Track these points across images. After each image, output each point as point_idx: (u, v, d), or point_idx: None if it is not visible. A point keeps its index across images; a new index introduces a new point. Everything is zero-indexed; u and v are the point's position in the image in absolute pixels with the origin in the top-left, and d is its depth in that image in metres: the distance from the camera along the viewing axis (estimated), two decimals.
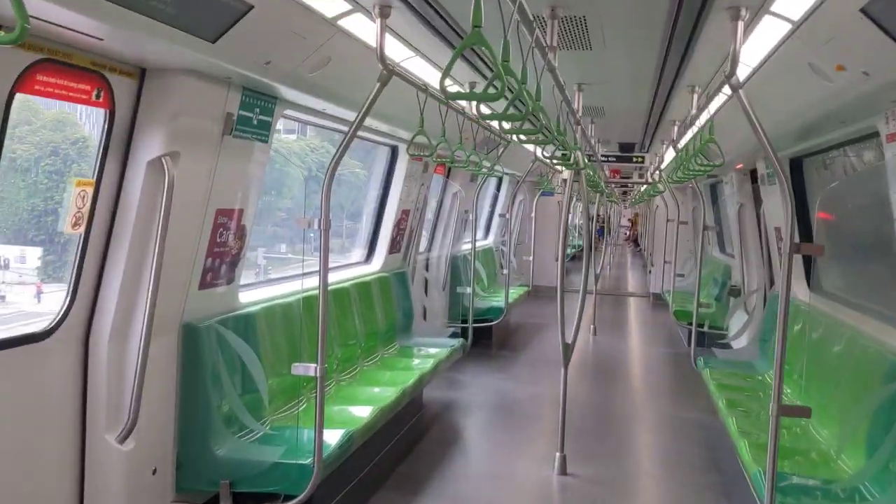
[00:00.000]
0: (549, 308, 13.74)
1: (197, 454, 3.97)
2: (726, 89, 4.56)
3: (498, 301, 10.32)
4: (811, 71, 3.51)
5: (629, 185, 21.31)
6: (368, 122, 5.71)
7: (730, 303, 10.03)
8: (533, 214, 12.80)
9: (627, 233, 38.94)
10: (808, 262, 6.26)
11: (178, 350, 4.02)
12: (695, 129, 5.98)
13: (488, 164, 7.34)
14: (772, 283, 7.60)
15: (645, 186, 17.57)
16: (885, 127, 3.77)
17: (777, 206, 6.68)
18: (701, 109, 4.86)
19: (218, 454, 3.94)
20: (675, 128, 7.49)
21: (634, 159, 11.18)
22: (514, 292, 11.31)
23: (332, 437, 4.15)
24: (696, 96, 5.70)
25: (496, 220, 13.70)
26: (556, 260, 14.85)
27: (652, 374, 9.45)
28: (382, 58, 3.37)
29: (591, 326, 11.29)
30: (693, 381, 7.59)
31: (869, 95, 3.39)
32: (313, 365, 3.67)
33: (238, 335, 4.34)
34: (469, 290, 8.02)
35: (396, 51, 4.57)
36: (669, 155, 9.56)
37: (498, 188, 13.55)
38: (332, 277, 6.28)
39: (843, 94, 3.51)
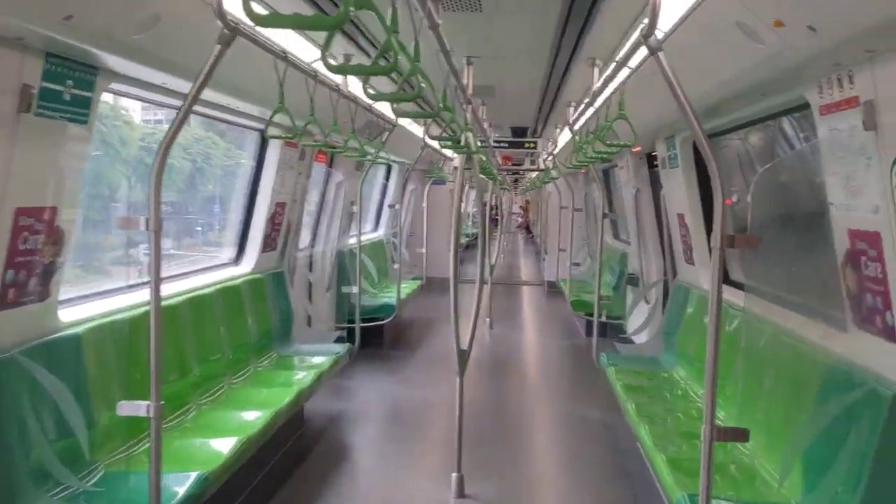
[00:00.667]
0: (444, 300, 13.20)
1: None
2: (632, 62, 4.08)
3: (389, 297, 9.67)
4: (739, 31, 2.97)
5: (521, 172, 21.15)
6: (227, 100, 4.92)
7: (626, 292, 9.76)
8: (424, 204, 12.19)
9: (520, 220, 39.17)
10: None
11: None
12: (595, 107, 5.48)
13: (372, 151, 6.64)
14: (674, 273, 7.28)
15: (537, 173, 17.32)
16: (819, 97, 3.17)
17: (680, 191, 6.30)
18: (607, 81, 4.32)
19: None
20: (571, 109, 7.01)
21: (527, 144, 10.73)
22: (407, 287, 10.69)
23: (181, 482, 3.36)
24: (597, 70, 5.13)
25: (386, 211, 13.01)
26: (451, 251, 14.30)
27: (551, 369, 9.04)
28: (221, 13, 2.61)
29: (487, 319, 10.80)
30: (593, 374, 7.22)
31: (807, 59, 2.87)
32: (144, 403, 2.88)
33: (57, 363, 3.45)
34: (355, 289, 7.27)
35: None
36: (564, 138, 9.16)
37: (387, 178, 12.84)
38: (192, 283, 5.46)
39: (777, 57, 2.97)
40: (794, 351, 3.85)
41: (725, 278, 5.56)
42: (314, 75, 4.36)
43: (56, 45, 3.04)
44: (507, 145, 10.67)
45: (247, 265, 6.30)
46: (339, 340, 7.44)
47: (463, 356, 4.93)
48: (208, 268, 6.11)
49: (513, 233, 36.42)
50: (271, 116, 4.32)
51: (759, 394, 4.07)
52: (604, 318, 9.90)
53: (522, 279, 18.21)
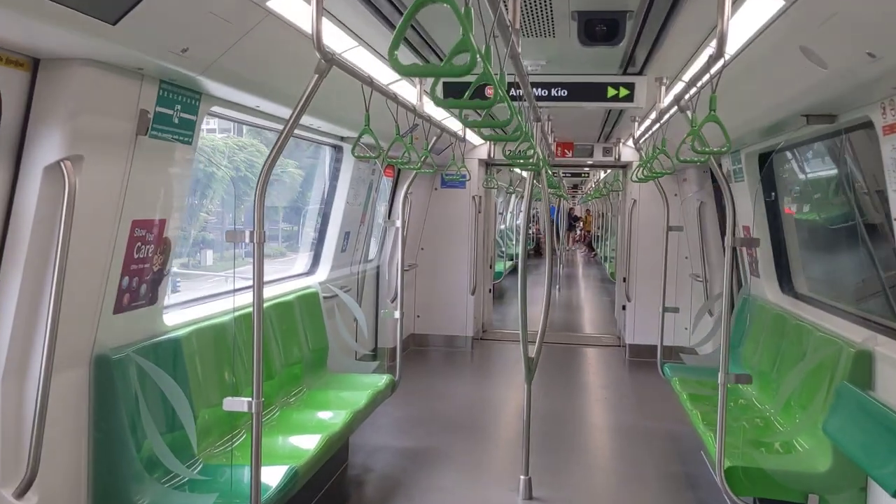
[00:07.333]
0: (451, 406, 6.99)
1: None
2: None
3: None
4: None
5: (585, 171, 15.75)
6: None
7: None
8: (400, 219, 6.30)
9: (579, 233, 32.17)
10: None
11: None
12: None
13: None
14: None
15: (606, 173, 11.93)
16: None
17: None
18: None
19: None
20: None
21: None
22: (345, 408, 4.81)
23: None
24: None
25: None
26: (472, 293, 8.36)
27: None
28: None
29: (524, 478, 4.90)
30: None
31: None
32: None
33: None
34: None
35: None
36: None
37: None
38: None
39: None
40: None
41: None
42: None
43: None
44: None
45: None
46: None
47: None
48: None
49: (570, 250, 29.56)
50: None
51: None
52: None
53: (586, 332, 11.99)
